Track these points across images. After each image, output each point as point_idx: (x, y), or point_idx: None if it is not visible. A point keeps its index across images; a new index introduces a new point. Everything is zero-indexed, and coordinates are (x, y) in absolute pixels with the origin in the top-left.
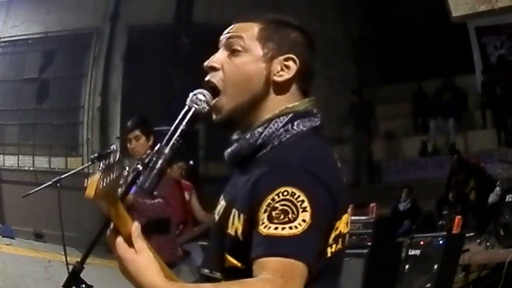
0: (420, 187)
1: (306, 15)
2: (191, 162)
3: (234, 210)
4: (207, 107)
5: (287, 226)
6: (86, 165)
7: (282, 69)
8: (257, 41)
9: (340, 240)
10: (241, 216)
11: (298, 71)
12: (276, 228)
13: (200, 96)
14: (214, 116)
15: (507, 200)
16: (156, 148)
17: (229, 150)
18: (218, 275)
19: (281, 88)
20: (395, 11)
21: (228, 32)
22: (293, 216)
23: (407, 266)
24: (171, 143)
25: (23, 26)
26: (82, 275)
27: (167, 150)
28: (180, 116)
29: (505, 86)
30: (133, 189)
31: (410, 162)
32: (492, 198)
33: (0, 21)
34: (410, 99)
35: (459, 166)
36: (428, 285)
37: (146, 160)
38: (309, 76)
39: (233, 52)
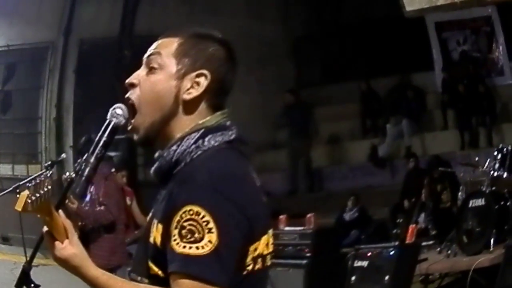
0: (369, 195)
1: (245, 15)
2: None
3: (154, 220)
4: (124, 120)
5: (194, 246)
6: (41, 172)
7: (192, 86)
8: (173, 57)
9: (259, 260)
10: (159, 226)
11: (209, 87)
12: (184, 247)
13: (118, 111)
14: (134, 136)
15: (470, 205)
16: (83, 157)
17: (152, 167)
18: (146, 281)
19: (191, 105)
20: (343, 7)
21: (150, 49)
22: (199, 236)
23: (353, 277)
24: (95, 153)
25: None
26: (38, 276)
27: (92, 159)
28: (102, 129)
29: (469, 84)
30: (88, 196)
31: (357, 168)
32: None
33: None
34: (357, 99)
35: (415, 171)
36: None
37: (77, 169)
38: (223, 91)
39: (150, 69)
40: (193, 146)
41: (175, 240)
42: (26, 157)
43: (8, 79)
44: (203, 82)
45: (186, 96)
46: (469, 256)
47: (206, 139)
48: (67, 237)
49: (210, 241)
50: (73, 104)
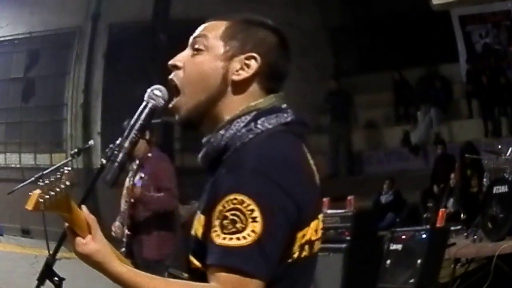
0: (403, 178)
1: (281, 5)
2: None
3: (198, 212)
4: (163, 102)
5: (234, 237)
6: (67, 160)
7: (242, 68)
8: (221, 39)
9: (306, 247)
10: (201, 217)
11: (260, 70)
12: (224, 238)
13: (157, 92)
14: (176, 116)
15: (494, 192)
16: (117, 142)
17: (200, 154)
18: (185, 276)
19: (241, 87)
20: (374, 0)
21: (196, 31)
22: (242, 226)
23: (388, 261)
24: (130, 137)
25: (9, 28)
26: (62, 269)
27: (127, 144)
28: (138, 111)
29: (491, 75)
30: (139, 182)
31: (392, 152)
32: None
33: None
34: (391, 88)
35: (443, 157)
36: (412, 280)
37: (108, 154)
38: (276, 76)
39: (196, 51)
40: (243, 130)
41: (215, 231)
42: (50, 146)
43: (31, 66)
44: (253, 64)
45: (236, 77)
46: (493, 242)
47: (259, 121)
48: (90, 233)
49: (253, 231)
50: (101, 89)
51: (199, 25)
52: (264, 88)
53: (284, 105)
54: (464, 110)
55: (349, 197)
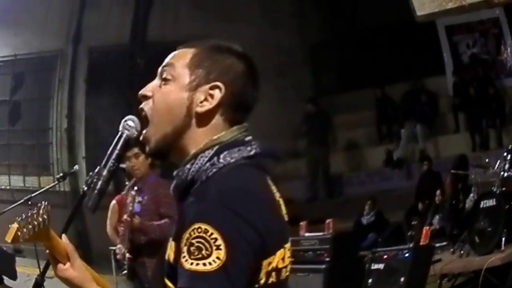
0: (386, 198)
1: (260, 23)
2: None
3: (170, 238)
4: (136, 132)
5: (201, 262)
6: (53, 184)
7: (205, 99)
8: (187, 68)
9: (273, 274)
10: (172, 243)
11: (224, 100)
12: (192, 264)
13: (130, 123)
14: (146, 147)
15: (482, 206)
16: (96, 170)
17: (171, 186)
18: None
19: (204, 119)
20: (356, 13)
21: (165, 61)
22: (207, 253)
23: (370, 280)
24: (107, 166)
25: None
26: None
27: (105, 172)
28: (114, 141)
29: (478, 87)
30: (138, 207)
31: (374, 173)
32: (467, 204)
33: None
34: (373, 106)
35: (429, 174)
36: None
37: (89, 181)
38: (241, 106)
39: (164, 80)
40: (207, 164)
41: (184, 257)
42: (37, 169)
43: (16, 89)
44: (217, 94)
45: (199, 109)
46: (481, 256)
47: (221, 156)
48: (69, 261)
49: (218, 258)
50: (84, 114)
51: (175, 47)
52: (227, 119)
53: (248, 138)
54: (451, 124)
55: (328, 220)
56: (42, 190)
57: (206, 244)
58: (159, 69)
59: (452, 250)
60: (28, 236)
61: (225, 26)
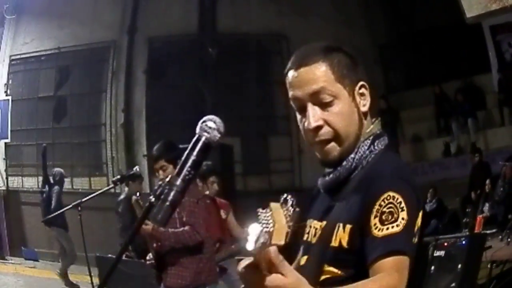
0: (445, 187)
1: (334, 20)
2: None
3: (338, 224)
4: (219, 135)
5: (394, 225)
6: (108, 187)
7: (361, 98)
8: (337, 83)
9: (417, 234)
10: (347, 226)
11: (369, 93)
12: (387, 229)
13: (211, 124)
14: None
15: None
16: (167, 179)
17: (326, 178)
18: None
19: (366, 115)
20: (414, 15)
21: (302, 85)
22: (396, 216)
23: (433, 267)
24: (182, 174)
25: (35, 43)
26: None
27: (178, 182)
28: (191, 145)
29: None
30: None
31: (435, 163)
32: None
33: (9, 39)
34: (432, 102)
35: (480, 165)
36: (453, 284)
37: (158, 192)
38: (372, 94)
39: (326, 105)
40: (367, 152)
41: (376, 227)
42: (88, 169)
43: (61, 84)
44: (365, 91)
45: (364, 108)
46: None
47: (375, 144)
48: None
49: (403, 218)
50: (145, 108)
51: (247, 38)
52: (370, 110)
53: (381, 129)
54: (497, 118)
55: None
56: (97, 193)
57: (395, 208)
58: (305, 97)
59: (500, 237)
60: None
61: (299, 20)
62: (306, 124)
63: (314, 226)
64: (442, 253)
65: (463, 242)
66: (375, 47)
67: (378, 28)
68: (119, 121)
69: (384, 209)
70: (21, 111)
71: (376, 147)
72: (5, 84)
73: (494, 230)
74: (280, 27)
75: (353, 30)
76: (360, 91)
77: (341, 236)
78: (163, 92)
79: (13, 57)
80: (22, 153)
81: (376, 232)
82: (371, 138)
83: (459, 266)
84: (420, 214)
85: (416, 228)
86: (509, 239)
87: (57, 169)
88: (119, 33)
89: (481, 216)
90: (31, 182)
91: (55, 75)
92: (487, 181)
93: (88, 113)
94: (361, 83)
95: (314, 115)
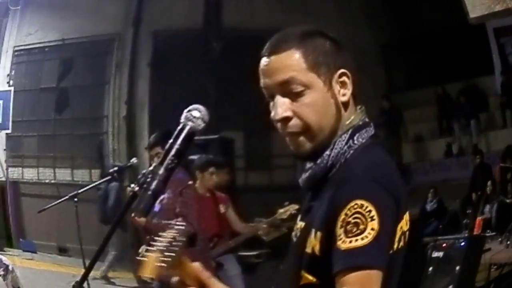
0: (445, 188)
1: (336, 18)
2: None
3: (312, 229)
4: (203, 124)
5: (359, 237)
6: (105, 179)
7: (341, 87)
8: (310, 71)
9: (402, 237)
10: (318, 233)
11: (352, 82)
12: (350, 242)
13: (195, 113)
14: (297, 153)
15: None
16: (150, 168)
17: (303, 176)
18: None
19: (347, 105)
20: (417, 15)
21: (271, 75)
22: (363, 227)
23: (430, 268)
24: (165, 163)
25: (39, 34)
26: None
27: (161, 171)
28: (175, 134)
29: None
30: (158, 207)
31: (436, 163)
32: None
33: (14, 29)
34: (435, 102)
35: (481, 166)
36: (451, 286)
37: (141, 181)
38: (355, 81)
39: (297, 95)
40: (345, 147)
41: (340, 239)
42: (89, 161)
43: (64, 75)
44: (346, 79)
45: (343, 98)
46: None
47: (355, 138)
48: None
49: (372, 229)
50: (148, 101)
51: (252, 33)
52: (354, 98)
53: (367, 118)
54: (499, 120)
55: None
56: (94, 184)
57: (362, 218)
58: (274, 87)
59: (500, 240)
60: (170, 267)
61: (302, 17)
62: (272, 114)
63: (297, 226)
64: (440, 254)
65: (462, 244)
66: (377, 46)
67: (381, 27)
68: (122, 113)
69: (350, 219)
70: (23, 102)
71: (356, 141)
72: (8, 74)
73: (493, 233)
74: (284, 23)
75: (356, 29)
76: (341, 79)
77: (313, 243)
78: (167, 86)
79: (16, 48)
80: (23, 145)
81: (340, 244)
82: (349, 131)
83: (457, 268)
84: (405, 216)
85: (399, 233)
86: (508, 242)
87: (116, 163)
88: (123, 26)
89: (480, 218)
90: (31, 174)
91: (58, 66)
92: (488, 183)
93: (90, 105)
94: (341, 70)
95: (281, 105)
